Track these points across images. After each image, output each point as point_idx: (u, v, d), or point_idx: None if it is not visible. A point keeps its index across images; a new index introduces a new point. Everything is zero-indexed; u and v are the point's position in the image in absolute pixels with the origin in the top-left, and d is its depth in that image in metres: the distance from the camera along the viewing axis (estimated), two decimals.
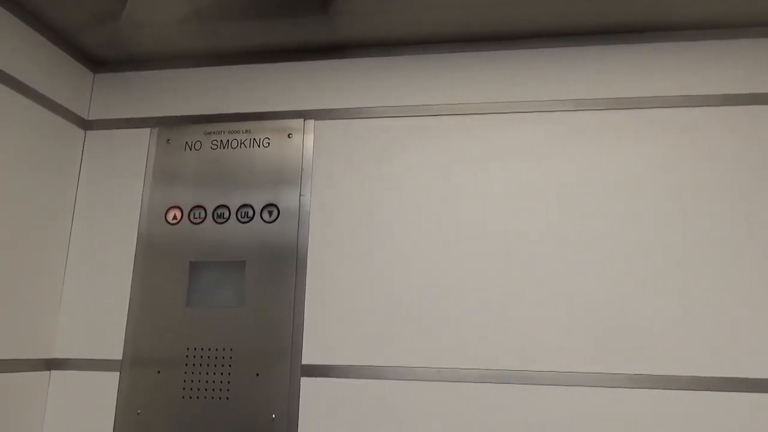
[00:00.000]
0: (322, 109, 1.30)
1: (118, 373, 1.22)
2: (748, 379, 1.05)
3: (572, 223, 1.16)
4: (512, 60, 1.27)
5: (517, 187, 1.20)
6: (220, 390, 1.18)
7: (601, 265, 1.13)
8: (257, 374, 1.17)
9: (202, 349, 1.20)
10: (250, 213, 1.26)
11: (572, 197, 1.17)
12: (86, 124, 1.38)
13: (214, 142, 1.31)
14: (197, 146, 1.31)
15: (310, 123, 1.30)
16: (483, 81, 1.27)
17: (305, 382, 1.16)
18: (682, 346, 1.07)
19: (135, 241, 1.28)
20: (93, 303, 1.27)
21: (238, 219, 1.26)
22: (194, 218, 1.27)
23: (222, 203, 1.27)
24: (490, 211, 1.19)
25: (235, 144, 1.30)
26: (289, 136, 1.29)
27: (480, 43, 1.29)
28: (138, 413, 1.19)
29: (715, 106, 1.18)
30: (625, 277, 1.12)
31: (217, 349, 1.20)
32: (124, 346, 1.23)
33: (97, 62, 1.41)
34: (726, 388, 1.05)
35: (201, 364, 1.19)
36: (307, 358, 1.17)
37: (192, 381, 1.19)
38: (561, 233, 1.16)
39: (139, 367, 1.21)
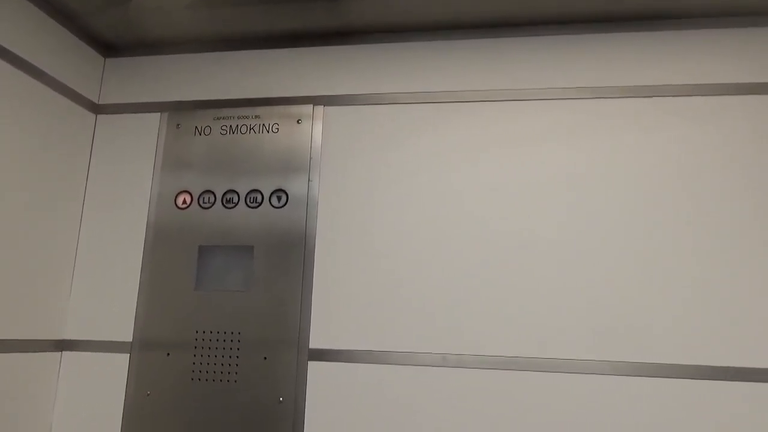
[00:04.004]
0: (331, 95, 1.30)
1: (128, 354, 1.24)
2: (750, 368, 1.05)
3: (579, 212, 1.16)
4: (524, 47, 1.26)
5: (527, 175, 1.19)
6: (228, 373, 1.19)
7: (606, 254, 1.13)
8: (265, 358, 1.18)
9: (210, 332, 1.22)
10: (259, 198, 1.26)
11: (580, 186, 1.17)
12: (97, 108, 1.39)
13: (224, 128, 1.31)
14: (207, 131, 1.32)
15: (320, 109, 1.30)
16: (495, 68, 1.26)
17: (312, 366, 1.18)
18: (686, 335, 1.07)
19: (145, 225, 1.30)
20: (104, 285, 1.29)
21: (247, 204, 1.26)
22: (203, 203, 1.28)
23: (231, 188, 1.28)
24: (498, 199, 1.19)
25: (244, 129, 1.31)
26: (298, 121, 1.29)
27: (492, 29, 1.28)
28: (147, 394, 1.20)
29: (728, 95, 1.17)
30: (630, 267, 1.12)
31: (225, 333, 1.21)
32: (134, 329, 1.25)
33: (108, 47, 1.42)
34: (728, 377, 1.05)
35: (209, 347, 1.21)
36: (315, 342, 1.18)
37: (201, 363, 1.20)
38: (568, 222, 1.16)
39: (148, 349, 1.23)
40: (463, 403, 1.11)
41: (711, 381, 1.05)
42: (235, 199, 1.27)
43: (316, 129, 1.29)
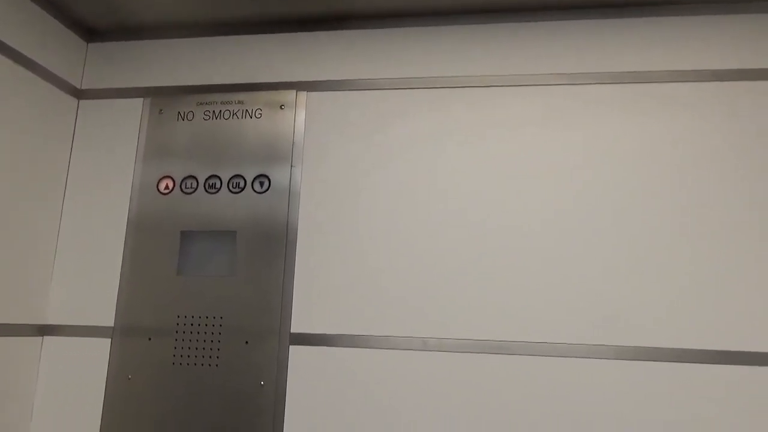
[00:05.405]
0: (314, 81, 1.30)
1: (110, 339, 1.24)
2: (732, 351, 1.06)
3: (566, 198, 1.16)
4: (509, 33, 1.27)
5: (511, 160, 1.20)
6: (210, 357, 1.19)
7: (591, 238, 1.14)
8: (246, 342, 1.19)
9: (192, 317, 1.22)
10: (242, 183, 1.26)
11: (568, 171, 1.18)
12: (79, 94, 1.38)
13: (207, 113, 1.31)
14: (190, 117, 1.32)
15: (303, 95, 1.30)
16: (479, 54, 1.26)
17: (294, 350, 1.18)
18: (678, 319, 1.08)
19: (127, 210, 1.29)
20: (85, 270, 1.29)
21: (229, 189, 1.26)
22: (186, 188, 1.28)
23: (214, 173, 1.28)
24: (482, 185, 1.20)
25: (227, 115, 1.30)
26: (281, 107, 1.29)
27: (477, 15, 1.28)
28: (129, 378, 1.20)
29: (708, 81, 1.18)
30: (614, 251, 1.12)
31: (207, 317, 1.21)
32: (116, 314, 1.25)
33: (90, 31, 1.41)
34: (711, 361, 1.06)
35: (191, 332, 1.21)
36: (296, 326, 1.19)
37: (182, 348, 1.20)
38: (553, 207, 1.16)
39: (130, 334, 1.23)
40: (445, 387, 1.12)
41: (702, 364, 1.06)
42: (218, 185, 1.27)
43: (299, 114, 1.29)
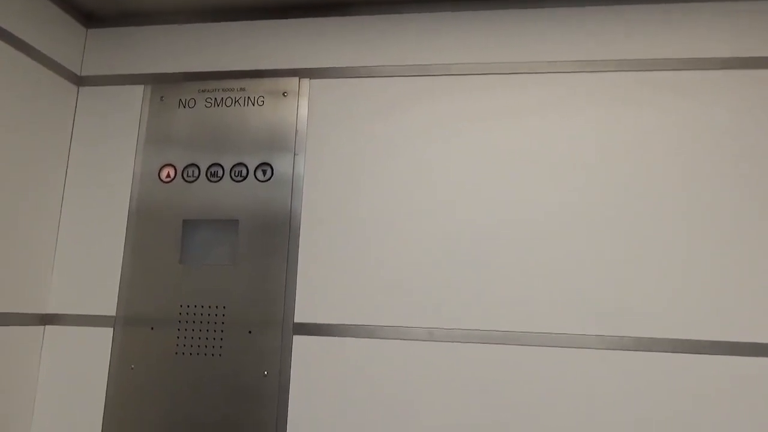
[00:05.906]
0: (317, 68, 1.28)
1: (112, 329, 1.23)
2: (731, 342, 1.05)
3: (567, 188, 1.15)
4: (512, 20, 1.25)
5: (513, 149, 1.18)
6: (213, 347, 1.18)
7: (594, 229, 1.12)
8: (250, 332, 1.18)
9: (195, 306, 1.21)
10: (244, 172, 1.25)
11: (569, 161, 1.16)
12: (79, 80, 1.36)
13: (208, 100, 1.29)
14: (191, 104, 1.30)
15: (306, 82, 1.28)
16: (482, 41, 1.24)
17: (297, 340, 1.17)
18: (674, 310, 1.08)
19: (128, 199, 1.28)
20: (87, 259, 1.27)
21: (231, 177, 1.25)
22: (188, 176, 1.26)
23: (216, 161, 1.26)
24: (483, 173, 1.18)
25: (229, 102, 1.29)
26: (284, 94, 1.28)
27: (482, 2, 1.26)
28: (132, 368, 1.20)
29: (712, 69, 1.16)
30: (617, 242, 1.11)
31: (210, 307, 1.20)
32: (118, 303, 1.24)
33: (89, 17, 1.39)
34: (708, 351, 1.05)
35: (194, 321, 1.20)
36: (300, 316, 1.18)
37: (185, 338, 1.20)
38: (557, 198, 1.15)
39: (132, 323, 1.22)
40: (450, 378, 1.11)
41: (695, 355, 1.06)
42: (220, 173, 1.26)
43: (301, 102, 1.27)
